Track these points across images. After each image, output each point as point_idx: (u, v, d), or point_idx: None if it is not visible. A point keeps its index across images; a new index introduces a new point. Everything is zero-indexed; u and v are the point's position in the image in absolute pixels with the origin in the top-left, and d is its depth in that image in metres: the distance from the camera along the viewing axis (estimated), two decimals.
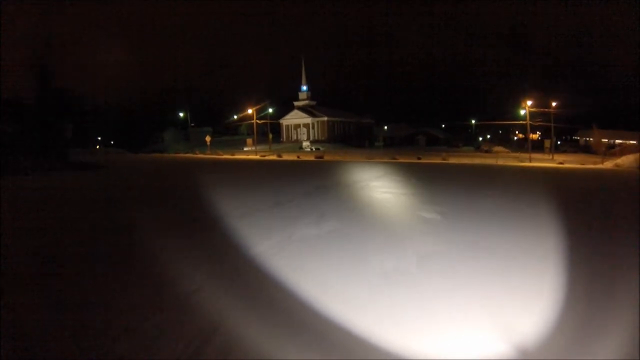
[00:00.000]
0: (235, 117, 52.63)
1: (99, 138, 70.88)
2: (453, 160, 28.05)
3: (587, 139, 60.95)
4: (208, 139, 35.31)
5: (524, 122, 34.26)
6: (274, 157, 30.12)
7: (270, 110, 41.58)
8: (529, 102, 32.69)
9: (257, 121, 35.61)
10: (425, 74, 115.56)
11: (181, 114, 58.31)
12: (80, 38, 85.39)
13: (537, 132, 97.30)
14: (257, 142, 39.68)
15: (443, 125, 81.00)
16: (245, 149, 42.89)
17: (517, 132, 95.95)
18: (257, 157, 31.19)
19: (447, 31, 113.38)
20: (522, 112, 34.44)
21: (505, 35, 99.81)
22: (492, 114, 66.06)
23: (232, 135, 67.35)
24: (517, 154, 36.34)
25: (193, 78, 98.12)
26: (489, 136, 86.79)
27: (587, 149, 56.19)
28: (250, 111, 35.08)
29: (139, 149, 61.24)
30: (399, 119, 73.42)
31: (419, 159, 29.10)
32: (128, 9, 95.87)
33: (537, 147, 41.50)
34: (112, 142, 73.25)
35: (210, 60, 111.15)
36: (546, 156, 33.64)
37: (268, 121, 40.16)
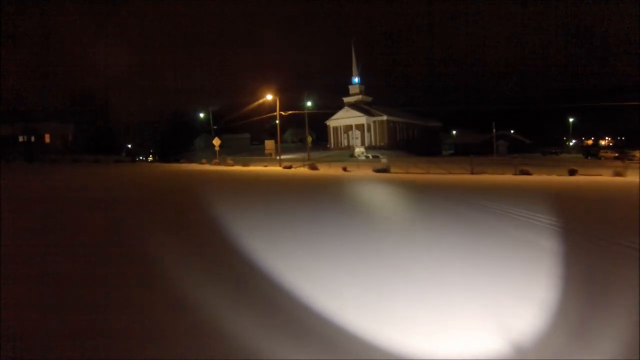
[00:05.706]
0: (277, 121, 42.03)
1: (129, 146, 66.07)
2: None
3: None
4: (217, 142, 24.54)
5: None
6: (304, 170, 18.24)
7: (309, 103, 29.63)
8: None
9: (282, 113, 23.53)
10: (503, 71, 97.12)
11: (202, 115, 48.97)
12: (110, 46, 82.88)
13: (592, 137, 74.01)
14: (295, 149, 28.27)
15: (512, 131, 66.10)
16: (278, 157, 31.83)
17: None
18: (279, 168, 19.59)
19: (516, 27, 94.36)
20: None
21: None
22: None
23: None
24: None
25: (238, 83, 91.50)
26: (574, 140, 68.86)
27: None
28: (270, 97, 23.06)
29: (165, 157, 54.43)
30: (466, 122, 59.05)
31: (574, 173, 15.12)
32: (169, 11, 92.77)
33: None
34: (151, 151, 68.38)
35: (257, 64, 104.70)
36: None
37: (305, 111, 27.69)
